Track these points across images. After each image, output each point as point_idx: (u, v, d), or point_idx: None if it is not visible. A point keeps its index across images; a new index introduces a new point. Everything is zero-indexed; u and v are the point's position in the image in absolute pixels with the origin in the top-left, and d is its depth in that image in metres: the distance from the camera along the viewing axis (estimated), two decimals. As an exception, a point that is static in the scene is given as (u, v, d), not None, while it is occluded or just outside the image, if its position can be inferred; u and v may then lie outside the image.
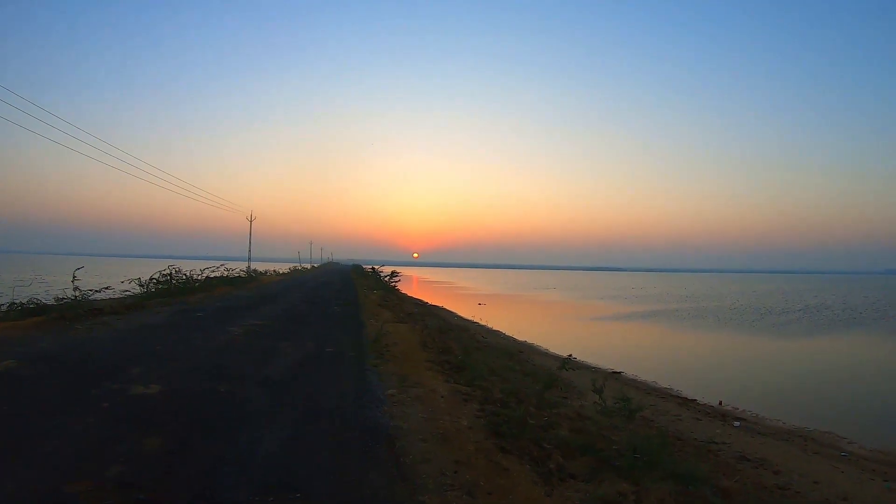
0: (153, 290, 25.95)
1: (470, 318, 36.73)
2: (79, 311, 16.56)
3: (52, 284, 27.52)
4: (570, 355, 12.30)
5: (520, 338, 29.26)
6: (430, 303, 41.78)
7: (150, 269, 29.16)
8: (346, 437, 6.65)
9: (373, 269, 62.96)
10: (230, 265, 43.45)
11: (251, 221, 56.53)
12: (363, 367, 11.03)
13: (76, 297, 18.22)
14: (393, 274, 53.51)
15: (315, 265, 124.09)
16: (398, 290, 46.26)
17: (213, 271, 36.69)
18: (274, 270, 68.57)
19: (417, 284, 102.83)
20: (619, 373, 20.76)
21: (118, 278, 27.91)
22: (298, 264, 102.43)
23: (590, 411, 11.03)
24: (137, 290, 25.85)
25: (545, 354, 24.10)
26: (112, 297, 22.13)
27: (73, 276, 18.66)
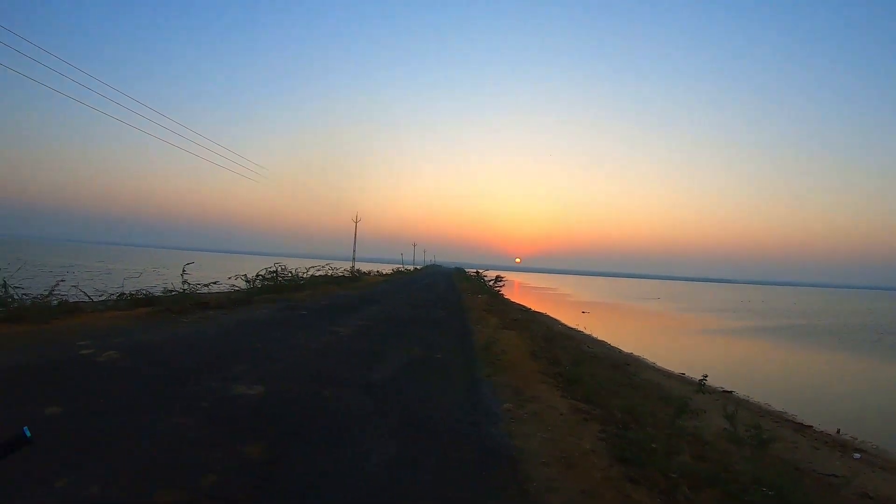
0: (259, 286, 26.55)
1: (574, 326, 35.69)
2: (185, 304, 16.97)
3: (163, 277, 28.65)
4: (705, 376, 11.32)
5: (625, 349, 28.04)
6: (533, 309, 40.85)
7: (257, 266, 29.97)
8: (459, 456, 6.07)
9: (476, 272, 62.82)
10: (335, 265, 44.31)
11: (356, 223, 57.56)
12: (474, 377, 10.51)
13: (184, 290, 18.80)
14: (497, 278, 53.01)
15: (418, 267, 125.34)
16: (502, 294, 45.64)
17: (319, 270, 37.53)
18: (378, 271, 69.94)
19: (519, 289, 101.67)
20: (730, 392, 19.32)
21: (226, 273, 28.80)
22: (401, 266, 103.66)
23: (708, 434, 10.05)
24: (244, 285, 26.46)
25: (652, 368, 22.89)
26: (219, 291, 22.74)
27: (183, 270, 19.26)
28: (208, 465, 5.15)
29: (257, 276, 27.58)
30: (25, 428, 1.66)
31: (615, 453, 6.63)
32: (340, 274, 43.54)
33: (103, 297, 17.43)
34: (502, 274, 57.91)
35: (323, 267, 39.43)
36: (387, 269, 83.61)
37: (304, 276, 33.14)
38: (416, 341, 14.24)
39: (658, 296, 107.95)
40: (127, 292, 17.92)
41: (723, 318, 58.75)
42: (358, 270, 54.81)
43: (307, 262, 40.00)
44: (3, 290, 13.67)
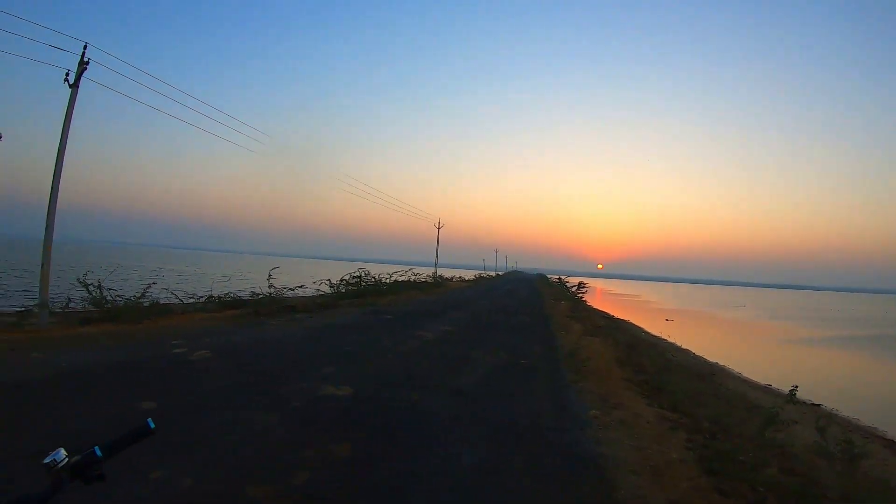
0: (343, 290, 26.98)
1: (657, 334, 34.69)
2: (273, 307, 17.35)
3: (250, 281, 29.43)
4: (795, 387, 10.71)
5: (709, 358, 26.99)
6: (616, 316, 39.98)
7: (341, 271, 30.48)
8: (547, 462, 5.88)
9: (559, 278, 62.00)
10: (417, 270, 44.55)
11: (439, 228, 57.73)
12: (560, 383, 10.27)
13: (270, 293, 19.23)
14: (580, 285, 52.20)
15: (500, 273, 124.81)
16: (585, 301, 44.86)
17: (401, 275, 37.77)
18: (460, 277, 70.24)
19: (602, 296, 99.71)
20: (818, 405, 18.20)
21: (311, 278, 29.33)
22: (483, 271, 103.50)
23: (797, 447, 9.46)
24: (328, 290, 26.93)
25: (737, 378, 21.88)
26: (305, 295, 23.25)
27: (269, 275, 19.72)
28: (298, 462, 5.15)
29: (341, 280, 28.07)
30: (150, 420, 1.76)
31: (703, 464, 6.32)
32: (423, 279, 43.82)
33: (192, 300, 18.16)
34: (584, 280, 56.77)
35: (406, 272, 39.78)
36: (469, 274, 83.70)
37: (387, 281, 33.47)
38: (501, 347, 14.06)
39: (744, 303, 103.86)
40: (215, 295, 18.57)
41: (811, 328, 55.99)
42: (440, 276, 55.01)
43: (390, 267, 40.39)
44: (98, 291, 14.35)
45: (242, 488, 4.50)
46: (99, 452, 1.58)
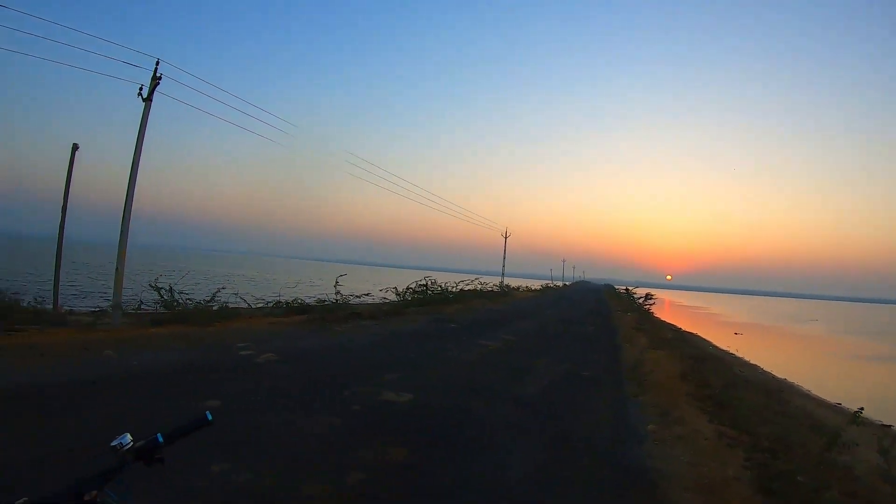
0: (409, 298, 27.23)
1: (725, 348, 33.68)
2: (339, 313, 17.68)
3: (318, 287, 29.99)
4: (861, 409, 10.25)
5: (778, 374, 26.02)
6: (683, 329, 39.03)
7: (407, 279, 30.73)
8: (600, 475, 5.84)
9: (626, 290, 61.00)
10: (483, 279, 44.47)
11: (506, 238, 57.54)
12: (621, 397, 10.20)
13: (336, 300, 19.63)
14: (647, 296, 51.25)
15: (567, 283, 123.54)
16: (652, 313, 43.97)
17: (468, 284, 37.82)
18: (527, 287, 69.99)
19: (670, 308, 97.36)
20: (889, 426, 17.25)
21: (378, 286, 29.73)
22: (550, 281, 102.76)
23: (861, 469, 9.03)
24: (394, 297, 27.26)
25: (805, 396, 21.02)
26: (371, 302, 23.64)
27: (336, 282, 20.14)
28: (354, 463, 5.28)
29: (407, 289, 28.38)
30: (208, 412, 1.92)
31: (759, 483, 6.13)
32: (489, 289, 43.78)
33: (260, 304, 18.78)
34: (653, 292, 55.65)
35: (472, 282, 39.81)
36: (535, 284, 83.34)
37: (453, 290, 33.57)
38: (564, 357, 14.00)
39: (816, 317, 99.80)
40: (283, 300, 19.11)
41: (889, 343, 53.35)
42: (507, 286, 54.92)
43: (456, 276, 40.50)
44: (170, 294, 14.95)
45: (298, 486, 4.65)
46: (160, 439, 1.80)
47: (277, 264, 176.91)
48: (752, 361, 28.67)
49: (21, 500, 1.47)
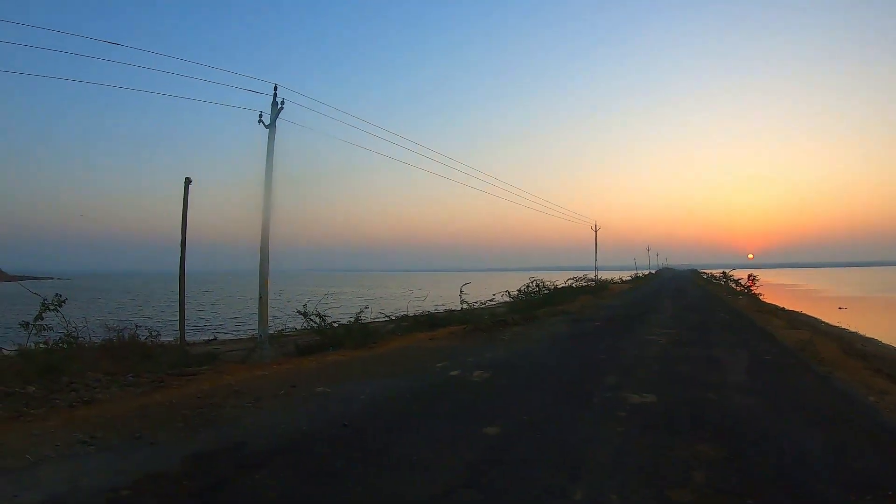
0: (522, 299, 28.11)
1: (835, 323, 33.19)
2: (487, 322, 18.34)
3: (435, 298, 30.78)
4: None
5: None
6: (784, 307, 38.53)
7: (505, 282, 31.42)
8: (858, 440, 6.60)
9: (723, 273, 60.21)
10: (572, 274, 45.07)
11: (596, 231, 57.55)
12: (816, 374, 10.85)
13: (463, 308, 20.53)
14: (750, 277, 50.42)
15: (653, 271, 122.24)
16: (761, 295, 43.21)
17: (566, 282, 38.63)
18: (619, 278, 70.80)
19: (762, 287, 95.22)
20: None
21: (482, 291, 30.40)
22: (636, 271, 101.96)
23: None
24: (507, 300, 28.24)
25: None
26: (492, 307, 24.50)
27: (461, 290, 21.22)
28: (681, 463, 5.77)
29: (518, 291, 29.34)
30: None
31: None
32: (585, 284, 44.31)
33: (386, 320, 19.80)
34: (736, 272, 54.75)
35: (570, 279, 40.79)
36: (624, 275, 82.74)
37: (551, 288, 34.64)
38: (732, 345, 14.59)
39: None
40: (410, 314, 20.08)
41: None
42: (601, 279, 55.17)
43: (546, 274, 40.98)
44: (321, 320, 15.70)
45: (664, 493, 5.05)
46: None
47: (369, 279, 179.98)
48: (868, 335, 28.38)
49: None
